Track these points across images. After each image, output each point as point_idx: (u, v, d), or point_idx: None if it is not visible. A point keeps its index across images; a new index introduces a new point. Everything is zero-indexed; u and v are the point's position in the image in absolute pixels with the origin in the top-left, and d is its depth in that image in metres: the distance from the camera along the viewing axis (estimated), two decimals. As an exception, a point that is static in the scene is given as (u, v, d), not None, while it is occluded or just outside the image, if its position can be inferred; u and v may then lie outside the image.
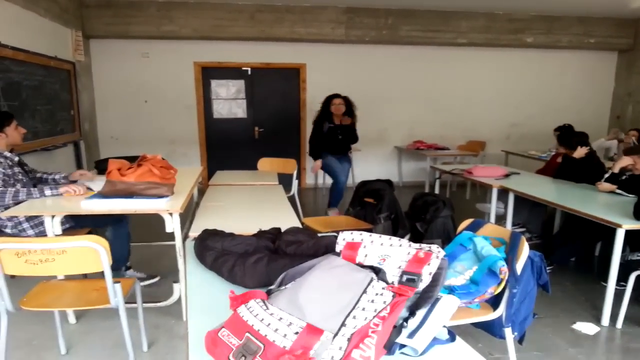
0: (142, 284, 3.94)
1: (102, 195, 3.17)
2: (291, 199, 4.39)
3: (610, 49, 8.91)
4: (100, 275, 2.43)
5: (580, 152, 4.71)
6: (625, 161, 4.20)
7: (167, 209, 3.08)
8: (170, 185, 3.24)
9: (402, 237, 3.62)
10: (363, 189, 4.36)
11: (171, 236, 3.18)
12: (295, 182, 5.57)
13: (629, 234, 3.32)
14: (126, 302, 2.55)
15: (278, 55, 8.12)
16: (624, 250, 3.46)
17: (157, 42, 7.74)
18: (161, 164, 3.24)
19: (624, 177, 4.15)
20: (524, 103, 9.09)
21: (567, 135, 5.18)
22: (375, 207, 4.11)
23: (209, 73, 8.13)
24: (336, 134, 6.10)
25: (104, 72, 7.80)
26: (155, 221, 3.20)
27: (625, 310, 3.37)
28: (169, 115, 8.10)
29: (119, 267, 3.94)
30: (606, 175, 4.25)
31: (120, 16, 7.24)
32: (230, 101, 8.30)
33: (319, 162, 6.14)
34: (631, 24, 8.59)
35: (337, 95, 6.12)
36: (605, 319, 3.43)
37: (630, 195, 3.93)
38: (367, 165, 8.65)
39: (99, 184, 3.47)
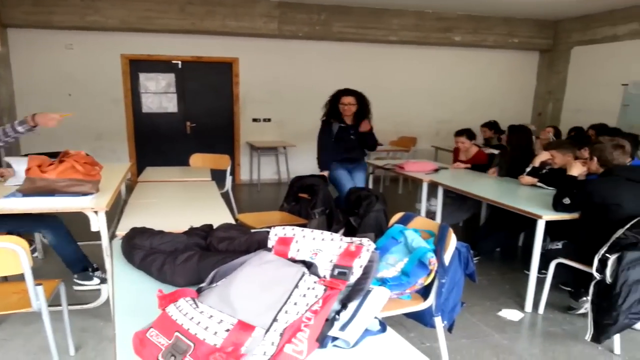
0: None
1: (22, 193, 2.99)
2: (225, 195, 4.33)
3: (532, 48, 9.36)
4: (22, 277, 2.31)
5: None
6: (545, 156, 4.43)
7: (92, 207, 2.96)
8: (95, 182, 3.11)
9: (337, 231, 3.67)
10: (297, 184, 4.36)
11: (98, 235, 3.06)
12: (229, 178, 5.50)
13: (549, 224, 3.51)
14: (50, 305, 2.44)
15: (210, 48, 7.97)
16: (544, 240, 3.65)
17: (81, 33, 7.39)
18: (85, 160, 3.11)
19: (544, 171, 4.37)
20: (452, 100, 9.39)
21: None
22: (310, 202, 4.13)
23: (137, 66, 7.85)
24: (348, 137, 4.85)
25: (24, 64, 7.36)
26: (80, 220, 3.07)
27: (546, 297, 3.55)
28: (95, 109, 7.76)
29: (81, 269, 3.76)
30: (527, 169, 4.47)
31: (42, 5, 6.84)
32: (160, 95, 8.06)
33: (326, 175, 4.81)
34: (551, 26, 9.06)
35: (347, 92, 4.79)
36: (529, 306, 3.61)
37: (550, 188, 4.14)
38: (302, 160, 8.65)
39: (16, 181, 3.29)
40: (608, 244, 2.91)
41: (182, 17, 7.33)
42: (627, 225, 2.90)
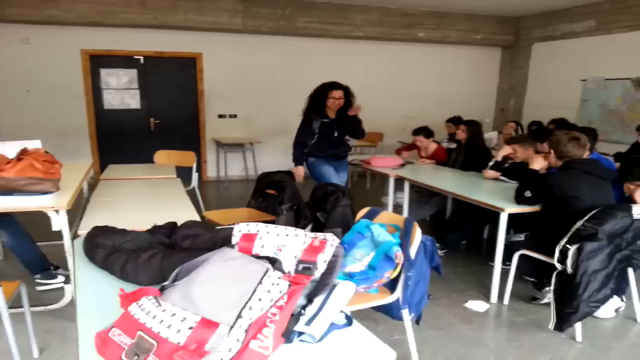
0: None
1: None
2: (191, 193, 4.28)
3: (494, 45, 9.52)
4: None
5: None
6: (507, 150, 4.52)
7: (53, 206, 2.89)
8: (55, 180, 3.03)
9: (304, 227, 3.67)
10: (264, 181, 4.34)
11: (59, 235, 2.99)
12: (195, 175, 5.44)
13: (512, 217, 3.58)
14: (12, 307, 2.39)
15: (173, 44, 7.83)
16: (508, 232, 3.73)
17: (39, 28, 7.16)
18: (44, 158, 3.02)
19: (506, 165, 4.46)
20: (418, 96, 9.47)
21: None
22: (277, 198, 4.11)
23: (98, 61, 7.67)
24: (333, 132, 4.68)
25: (-23, 59, 7.11)
26: (41, 219, 2.99)
27: (510, 288, 3.63)
28: (56, 106, 7.55)
29: (41, 269, 3.66)
30: (490, 163, 4.56)
31: (-6, -2, 6.62)
32: (122, 91, 7.89)
33: (301, 170, 4.73)
34: (512, 22, 9.23)
35: (336, 86, 4.63)
36: (494, 297, 3.68)
37: (513, 182, 4.23)
38: (269, 157, 8.62)
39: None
40: (568, 235, 2.99)
41: (144, 12, 7.18)
42: (586, 217, 2.98)
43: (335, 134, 4.71)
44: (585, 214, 3.01)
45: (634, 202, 3.40)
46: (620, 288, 3.33)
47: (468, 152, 5.15)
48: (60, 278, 3.68)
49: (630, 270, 3.25)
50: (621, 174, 3.61)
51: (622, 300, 3.46)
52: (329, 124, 4.65)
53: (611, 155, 5.24)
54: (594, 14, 7.66)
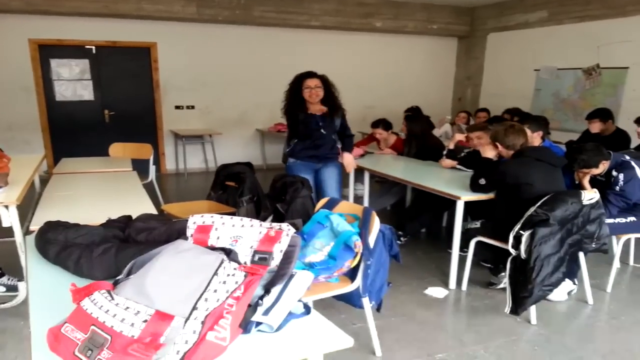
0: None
1: None
2: (149, 186, 4.20)
3: (451, 35, 9.65)
4: None
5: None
6: (458, 137, 4.66)
7: (2, 201, 2.80)
8: (3, 174, 2.94)
9: (265, 219, 3.66)
10: (224, 173, 4.30)
11: (10, 231, 2.91)
12: (152, 168, 5.34)
13: (468, 205, 3.66)
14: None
15: (125, 33, 7.60)
16: (465, 220, 3.80)
17: (-19, 16, 6.87)
18: (-9, 152, 2.92)
19: (463, 154, 4.55)
20: (377, 86, 9.52)
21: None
22: (237, 190, 4.08)
23: (47, 52, 7.39)
24: (317, 129, 4.06)
25: None
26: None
27: (468, 274, 3.71)
28: (3, 98, 7.25)
29: None
30: (445, 152, 4.65)
31: None
32: (74, 82, 7.64)
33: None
34: (468, 12, 9.38)
35: (311, 75, 4.03)
36: (452, 283, 3.75)
37: (469, 170, 4.30)
38: (228, 148, 8.53)
39: None
40: (521, 221, 3.07)
41: (94, 0, 6.95)
42: (538, 203, 3.06)
43: (322, 132, 4.08)
44: (537, 200, 3.09)
45: (584, 188, 3.53)
46: (572, 272, 3.47)
47: (419, 145, 5.24)
48: (1, 289, 3.51)
49: (581, 254, 3.36)
50: (568, 162, 3.74)
51: (574, 283, 3.58)
52: (311, 118, 4.03)
53: (564, 144, 5.41)
54: (546, 5, 7.87)
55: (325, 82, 4.03)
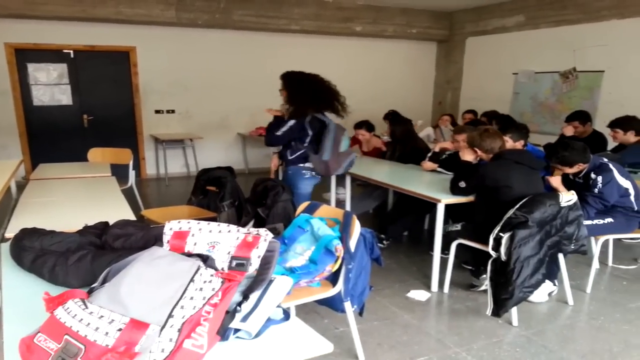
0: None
1: None
2: (128, 191, 4.15)
3: (430, 39, 9.71)
4: None
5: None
6: (446, 144, 4.68)
7: (-25, 209, 2.73)
8: (-22, 181, 2.87)
9: (246, 223, 3.64)
10: (204, 177, 4.27)
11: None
12: (132, 173, 5.28)
13: (449, 207, 3.68)
14: None
15: (104, 37, 7.51)
16: (447, 223, 3.82)
17: (-45, 19, 6.73)
18: (-35, 158, 2.85)
19: (444, 157, 4.57)
20: (356, 90, 9.44)
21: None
22: (218, 194, 4.05)
23: (24, 56, 7.27)
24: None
25: None
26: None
27: (450, 277, 3.73)
28: (-23, 103, 7.12)
29: None
30: (429, 155, 4.66)
31: None
32: (52, 87, 7.53)
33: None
34: (446, 17, 9.45)
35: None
36: (434, 286, 3.76)
37: (449, 173, 4.33)
38: (210, 152, 8.47)
39: None
40: (501, 223, 3.10)
41: (72, 4, 6.82)
42: (517, 206, 3.09)
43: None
44: (516, 202, 3.12)
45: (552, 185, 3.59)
46: (552, 273, 3.50)
47: (402, 147, 5.25)
48: None
49: (560, 256, 3.40)
50: (547, 153, 3.77)
51: (554, 284, 3.61)
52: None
53: (542, 146, 5.47)
54: (523, 9, 7.97)
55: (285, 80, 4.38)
